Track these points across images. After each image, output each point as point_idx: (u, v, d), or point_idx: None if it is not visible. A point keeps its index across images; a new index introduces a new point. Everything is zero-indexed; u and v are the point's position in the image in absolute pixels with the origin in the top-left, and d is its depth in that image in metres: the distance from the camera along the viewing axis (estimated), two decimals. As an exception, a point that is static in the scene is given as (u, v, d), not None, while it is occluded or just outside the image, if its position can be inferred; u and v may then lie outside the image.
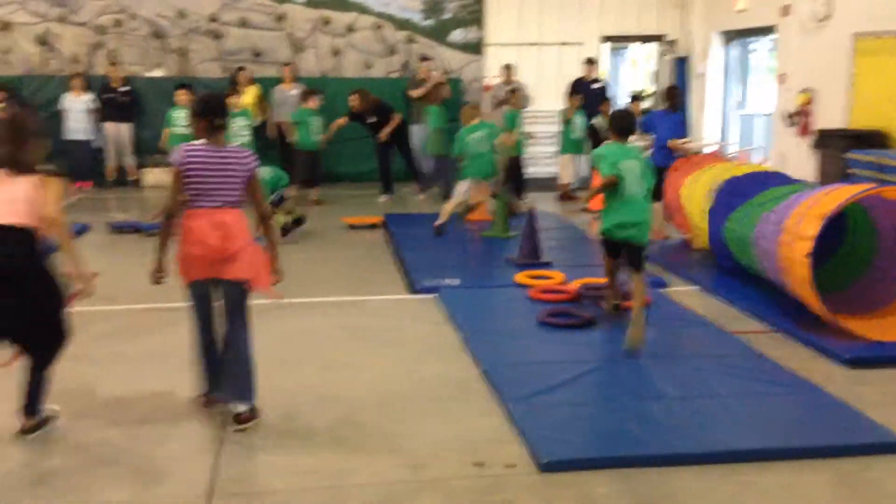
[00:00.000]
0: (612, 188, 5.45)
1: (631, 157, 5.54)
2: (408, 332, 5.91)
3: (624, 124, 5.72)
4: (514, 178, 10.60)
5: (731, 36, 13.12)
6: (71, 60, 12.70)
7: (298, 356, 5.36)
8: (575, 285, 6.62)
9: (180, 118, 11.00)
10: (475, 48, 13.51)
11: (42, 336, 4.11)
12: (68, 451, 4.02)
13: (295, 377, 4.99)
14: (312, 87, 12.68)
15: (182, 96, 11.16)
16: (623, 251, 5.59)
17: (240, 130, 10.39)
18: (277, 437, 4.17)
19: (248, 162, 4.24)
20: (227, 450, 4.02)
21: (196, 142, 4.25)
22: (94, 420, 4.37)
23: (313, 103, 11.25)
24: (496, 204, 9.02)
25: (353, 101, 11.45)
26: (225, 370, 4.33)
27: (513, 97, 11.20)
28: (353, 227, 9.33)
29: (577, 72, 12.60)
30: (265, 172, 8.45)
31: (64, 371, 5.04)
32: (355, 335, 5.82)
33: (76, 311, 6.30)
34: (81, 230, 9.29)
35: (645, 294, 5.52)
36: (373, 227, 9.52)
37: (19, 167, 4.03)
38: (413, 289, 6.98)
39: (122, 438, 4.15)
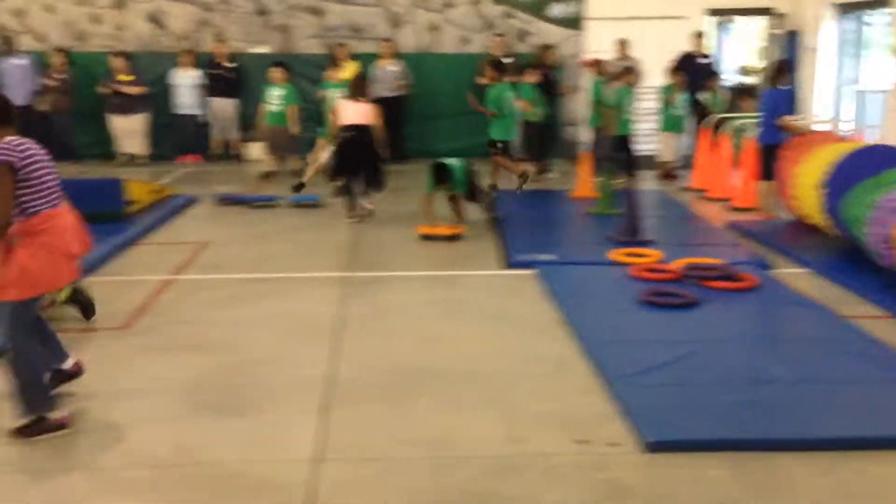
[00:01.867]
0: None
1: None
2: (505, 307, 5.90)
3: None
4: (622, 157, 10.43)
5: (845, 9, 12.52)
6: (180, 37, 13.09)
7: (396, 329, 5.42)
8: (678, 264, 6.49)
9: (274, 95, 11.32)
10: (574, 23, 13.29)
11: None
12: (190, 410, 4.17)
13: (394, 349, 5.05)
14: (410, 62, 12.79)
15: (276, 73, 11.42)
16: None
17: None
18: (381, 408, 4.23)
19: None
20: (333, 416, 4.10)
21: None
22: (206, 383, 4.52)
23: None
24: (601, 181, 8.90)
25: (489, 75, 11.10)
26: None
27: (629, 74, 10.97)
28: (426, 237, 7.83)
29: (680, 47, 12.26)
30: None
31: (188, 334, 5.27)
32: (452, 309, 5.84)
33: (186, 278, 6.57)
34: (189, 202, 9.61)
35: None
36: (452, 238, 7.88)
37: None
38: (509, 264, 6.96)
39: (232, 403, 4.28)
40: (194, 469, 3.61)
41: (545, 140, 11.65)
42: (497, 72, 10.14)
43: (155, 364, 4.82)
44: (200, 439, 3.89)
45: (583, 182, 9.89)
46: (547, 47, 12.28)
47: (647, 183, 10.89)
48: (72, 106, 12.36)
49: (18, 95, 12.84)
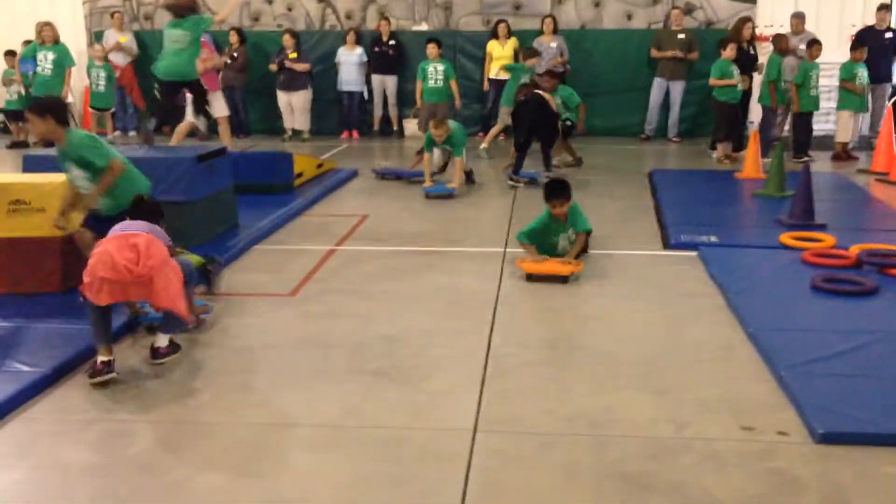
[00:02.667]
0: None
1: None
2: (665, 288, 5.74)
3: None
4: (801, 136, 9.90)
5: None
6: (345, 16, 13.46)
7: (554, 306, 5.39)
8: (855, 250, 6.10)
9: (431, 71, 11.53)
10: (746, -4, 12.68)
11: None
12: (354, 375, 4.32)
13: (553, 326, 5.02)
14: (571, 39, 12.61)
15: (432, 49, 11.62)
16: None
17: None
18: (539, 383, 4.22)
19: None
20: (492, 389, 4.13)
21: None
22: (370, 352, 4.65)
23: None
24: (772, 161, 8.48)
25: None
26: None
27: (813, 48, 10.39)
28: (531, 277, 5.84)
29: (863, 20, 11.48)
30: (455, 126, 9.08)
31: (350, 303, 5.44)
32: (610, 288, 5.74)
33: (348, 249, 6.78)
34: (350, 176, 9.90)
35: None
36: (563, 279, 5.82)
37: None
38: (669, 244, 6.77)
39: (394, 371, 4.39)
40: (361, 432, 3.73)
41: (740, 119, 11.09)
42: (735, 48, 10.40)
43: (320, 330, 5.00)
44: (365, 404, 4.01)
45: (751, 162, 9.46)
46: (744, 20, 11.60)
47: (823, 164, 10.32)
48: (246, 83, 12.97)
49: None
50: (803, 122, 10.63)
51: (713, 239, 6.69)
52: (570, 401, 4.01)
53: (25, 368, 4.19)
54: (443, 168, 9.36)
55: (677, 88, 12.39)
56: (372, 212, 8.15)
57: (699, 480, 3.29)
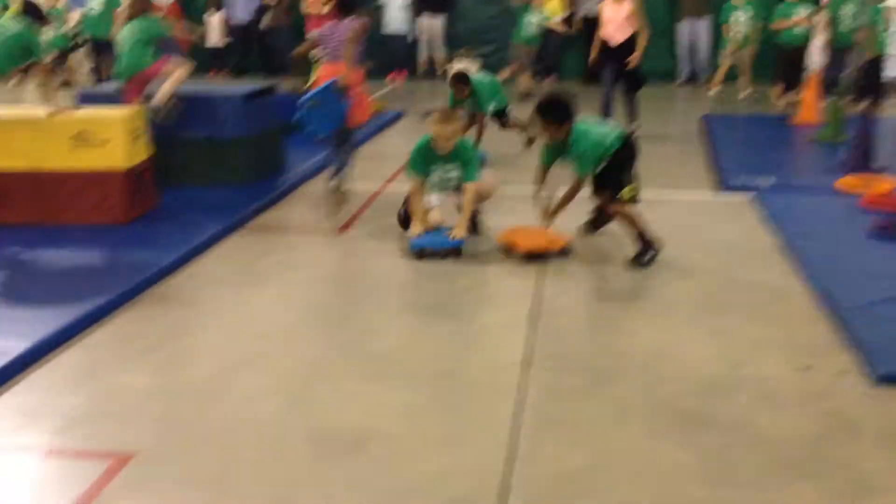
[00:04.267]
0: None
1: None
2: (720, 231, 5.66)
3: None
4: (870, 79, 9.56)
5: None
6: (392, -46, 13.26)
7: (606, 248, 5.33)
8: (915, 194, 5.94)
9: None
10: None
11: None
12: (406, 310, 4.33)
13: (605, 267, 4.97)
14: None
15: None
16: None
17: (527, 26, 11.08)
18: (590, 321, 4.21)
19: None
20: (541, 325, 4.13)
21: None
22: (420, 288, 4.66)
23: None
24: (829, 106, 8.26)
25: None
26: None
27: None
28: (530, 256, 4.99)
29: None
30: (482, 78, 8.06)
31: (391, 243, 5.43)
32: (664, 232, 5.65)
33: (396, 189, 6.76)
34: (396, 117, 9.86)
35: None
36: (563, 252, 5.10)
37: None
38: (724, 187, 6.65)
39: (445, 307, 4.40)
40: (414, 365, 3.76)
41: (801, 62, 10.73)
42: None
43: (369, 267, 5.02)
44: (417, 337, 4.04)
45: (809, 106, 9.21)
46: None
47: (888, 109, 10.02)
48: (290, 23, 12.90)
49: (243, 12, 13.56)
50: (870, 65, 10.27)
51: (769, 182, 6.56)
52: (622, 338, 4.00)
53: (87, 296, 4.27)
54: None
55: (703, 27, 12.13)
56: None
57: (754, 419, 3.27)
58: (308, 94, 6.12)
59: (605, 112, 8.39)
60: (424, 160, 5.20)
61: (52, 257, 4.94)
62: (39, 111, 5.67)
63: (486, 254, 5.16)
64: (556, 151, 5.11)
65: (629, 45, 8.26)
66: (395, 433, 3.18)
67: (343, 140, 6.28)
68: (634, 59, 8.26)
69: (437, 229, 5.17)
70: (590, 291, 4.58)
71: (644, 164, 6.89)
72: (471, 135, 7.33)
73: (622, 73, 8.36)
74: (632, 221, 5.00)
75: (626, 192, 5.01)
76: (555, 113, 4.97)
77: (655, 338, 3.99)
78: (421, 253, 5.00)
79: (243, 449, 3.08)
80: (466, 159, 5.19)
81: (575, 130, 4.95)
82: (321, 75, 6.32)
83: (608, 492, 2.80)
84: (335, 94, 6.01)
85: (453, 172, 5.22)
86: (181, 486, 2.85)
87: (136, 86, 6.31)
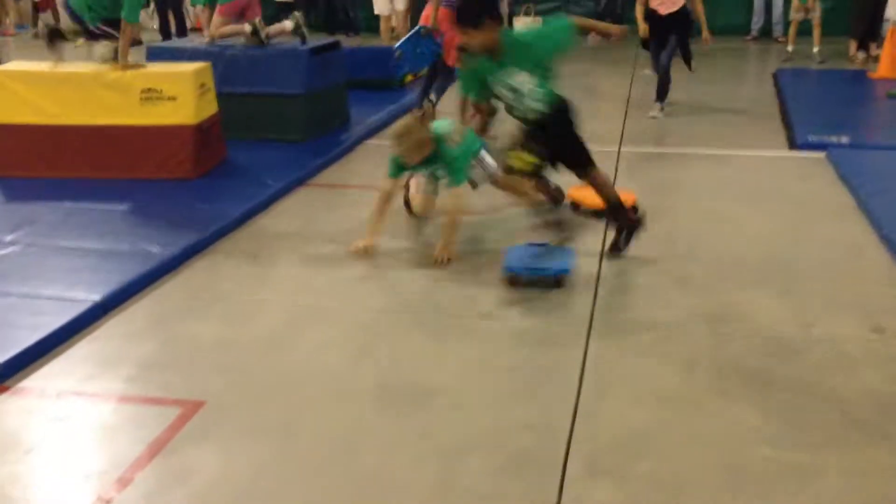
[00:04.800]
0: None
1: None
2: (793, 189, 5.50)
3: None
4: None
5: None
6: None
7: (676, 206, 5.23)
8: None
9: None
10: None
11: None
12: (462, 268, 4.33)
13: (675, 225, 4.88)
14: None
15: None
16: None
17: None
18: (657, 279, 4.14)
19: None
20: (605, 284, 4.09)
21: None
22: (482, 245, 4.65)
23: None
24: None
25: None
26: None
27: None
28: (597, 213, 4.83)
29: None
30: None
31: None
32: (734, 190, 5.53)
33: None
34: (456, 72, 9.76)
35: None
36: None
37: None
38: (796, 144, 6.46)
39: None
40: (478, 321, 3.76)
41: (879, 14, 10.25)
42: None
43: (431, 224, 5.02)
44: (481, 294, 4.02)
45: (888, 61, 8.85)
46: None
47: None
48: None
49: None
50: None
51: (843, 139, 6.35)
52: (689, 296, 3.93)
53: (156, 249, 4.37)
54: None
55: None
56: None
57: (825, 379, 3.19)
58: (399, 43, 6.70)
59: (661, 93, 7.61)
60: (400, 167, 4.53)
61: (123, 211, 5.05)
62: (109, 67, 5.75)
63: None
64: (483, 72, 4.01)
65: (681, 14, 7.36)
66: (459, 387, 3.18)
67: (437, 76, 7.04)
68: (706, 38, 7.54)
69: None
70: (653, 249, 4.50)
71: (715, 122, 6.76)
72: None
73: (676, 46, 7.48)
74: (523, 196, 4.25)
75: (515, 160, 4.07)
76: (470, 12, 3.88)
77: (723, 296, 3.91)
78: (513, 280, 4.06)
79: (309, 399, 3.13)
80: (448, 162, 4.47)
81: (507, 38, 3.93)
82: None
83: (671, 451, 2.77)
84: (423, 38, 6.43)
85: (440, 172, 4.59)
86: (249, 435, 2.91)
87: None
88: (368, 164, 6.29)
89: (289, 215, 5.18)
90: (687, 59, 7.81)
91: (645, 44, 7.82)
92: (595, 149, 4.77)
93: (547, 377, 3.26)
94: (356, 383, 3.23)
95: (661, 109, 7.63)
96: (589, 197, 4.85)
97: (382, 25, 11.60)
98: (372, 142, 6.94)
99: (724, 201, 5.29)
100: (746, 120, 7.47)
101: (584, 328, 3.62)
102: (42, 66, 5.84)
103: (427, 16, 7.13)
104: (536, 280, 4.03)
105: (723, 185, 5.63)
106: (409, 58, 8.04)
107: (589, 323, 3.68)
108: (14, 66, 6.19)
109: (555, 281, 4.01)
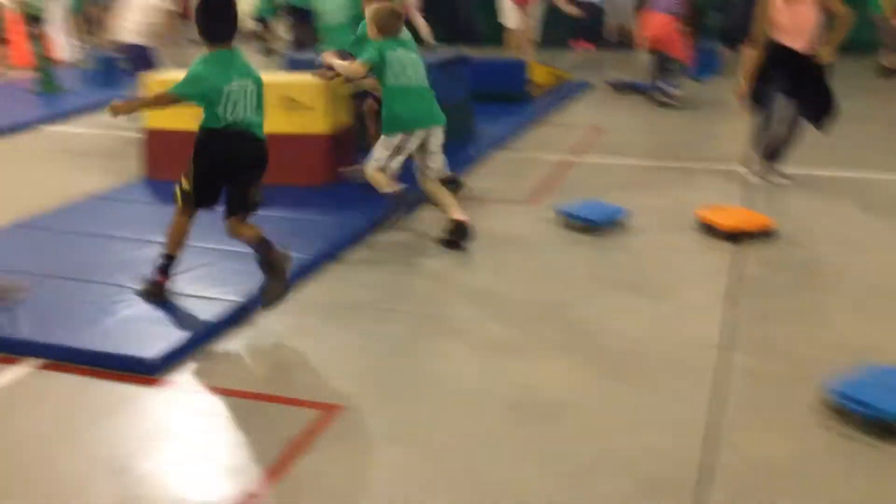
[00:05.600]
0: None
1: None
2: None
3: None
4: None
5: None
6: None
7: (808, 230, 5.08)
8: None
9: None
10: None
11: None
12: (596, 284, 4.33)
13: (807, 251, 4.74)
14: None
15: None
16: None
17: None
18: (795, 305, 4.04)
19: None
20: (740, 307, 4.00)
21: None
22: (612, 261, 4.63)
23: None
24: None
25: None
26: None
27: None
28: (732, 236, 4.81)
29: None
30: None
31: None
32: (872, 213, 5.32)
33: (585, 160, 6.70)
34: (583, 87, 9.74)
35: None
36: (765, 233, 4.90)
37: None
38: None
39: (638, 283, 4.35)
40: (608, 339, 3.75)
41: None
42: None
43: (561, 239, 5.03)
44: (607, 312, 4.01)
45: None
46: None
47: None
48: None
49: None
50: None
51: None
52: (830, 327, 3.81)
53: (298, 253, 4.51)
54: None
55: None
56: (607, 124, 8.00)
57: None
58: None
59: (772, 154, 5.88)
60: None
61: (261, 215, 5.23)
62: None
63: (679, 229, 5.05)
64: None
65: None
66: (589, 406, 3.19)
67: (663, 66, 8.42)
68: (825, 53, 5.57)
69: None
70: (791, 274, 4.38)
71: (842, 144, 6.49)
72: None
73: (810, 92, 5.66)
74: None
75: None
76: None
77: (864, 329, 3.78)
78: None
79: (443, 409, 3.19)
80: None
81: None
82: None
83: (816, 489, 2.69)
84: None
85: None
86: (385, 440, 2.99)
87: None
88: (495, 177, 6.35)
89: (419, 225, 5.28)
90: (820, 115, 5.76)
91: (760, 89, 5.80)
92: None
93: (678, 401, 3.22)
94: (488, 395, 3.27)
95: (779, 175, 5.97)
96: (720, 217, 4.78)
97: (510, 38, 11.66)
98: (499, 153, 6.99)
99: (867, 226, 5.12)
100: (879, 144, 7.14)
101: (716, 351, 3.56)
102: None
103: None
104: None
105: (864, 209, 5.42)
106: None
107: (723, 347, 3.61)
108: (169, 74, 6.47)
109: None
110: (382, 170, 4.94)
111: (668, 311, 4.02)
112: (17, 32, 11.86)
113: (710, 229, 4.92)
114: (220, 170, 3.92)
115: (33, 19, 9.81)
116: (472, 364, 3.53)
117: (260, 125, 3.99)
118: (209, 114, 3.81)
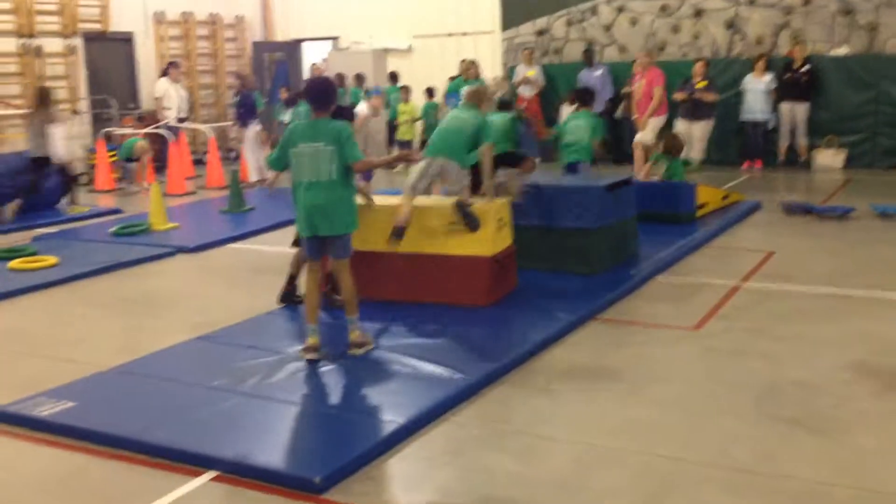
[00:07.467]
0: None
1: None
2: None
3: None
4: None
5: None
6: (755, 42, 12.97)
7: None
8: None
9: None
10: None
11: None
12: (763, 418, 4.14)
13: None
14: None
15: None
16: None
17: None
18: None
19: None
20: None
21: None
22: (782, 396, 4.42)
23: None
24: None
25: None
26: None
27: None
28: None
29: None
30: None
31: (756, 343, 5.23)
32: None
33: (755, 286, 6.48)
34: (753, 208, 9.50)
35: None
36: None
37: None
38: None
39: (811, 421, 4.12)
40: (776, 481, 3.56)
41: None
42: None
43: (726, 368, 4.87)
44: (780, 452, 3.82)
45: None
46: None
47: None
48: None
49: (596, 103, 13.97)
50: None
51: None
52: None
53: (455, 375, 4.61)
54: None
55: None
56: (779, 248, 7.74)
57: None
58: None
59: None
60: None
61: (421, 334, 5.39)
62: (421, 199, 6.23)
63: (854, 359, 4.77)
64: None
65: None
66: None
67: None
68: None
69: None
70: None
71: None
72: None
73: None
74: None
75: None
76: None
77: None
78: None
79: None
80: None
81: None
82: None
83: None
84: None
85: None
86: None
87: None
88: (658, 301, 6.26)
89: (578, 349, 5.26)
90: None
91: None
92: None
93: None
94: (647, 536, 3.16)
95: None
96: None
97: (636, 150, 11.58)
98: (663, 277, 6.90)
99: None
100: None
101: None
102: (392, 199, 6.41)
103: None
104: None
105: None
106: None
107: None
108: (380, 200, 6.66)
109: None
110: None
111: (843, 453, 3.77)
112: (213, 154, 13.07)
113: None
114: None
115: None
116: (631, 498, 3.43)
117: None
118: None
